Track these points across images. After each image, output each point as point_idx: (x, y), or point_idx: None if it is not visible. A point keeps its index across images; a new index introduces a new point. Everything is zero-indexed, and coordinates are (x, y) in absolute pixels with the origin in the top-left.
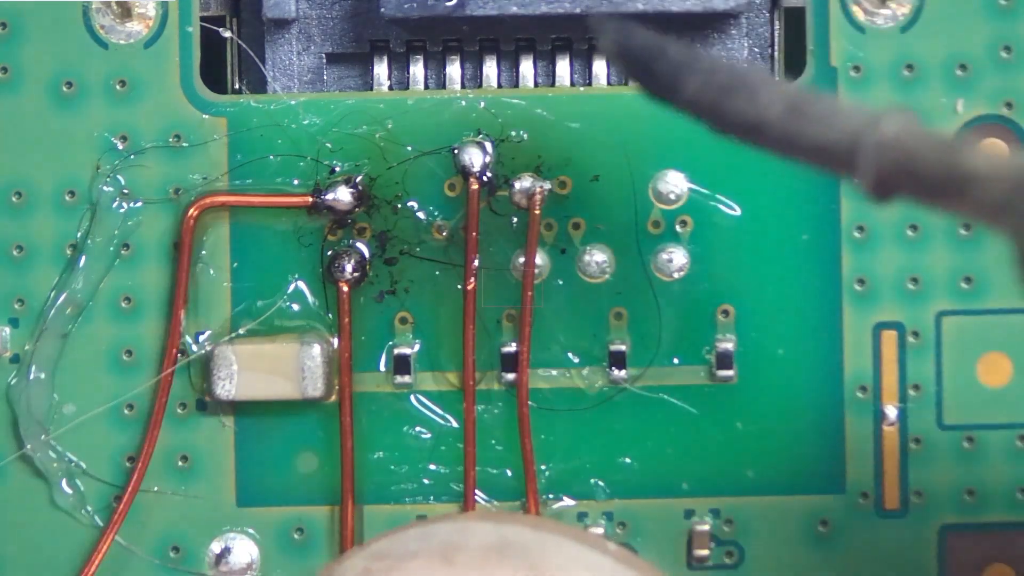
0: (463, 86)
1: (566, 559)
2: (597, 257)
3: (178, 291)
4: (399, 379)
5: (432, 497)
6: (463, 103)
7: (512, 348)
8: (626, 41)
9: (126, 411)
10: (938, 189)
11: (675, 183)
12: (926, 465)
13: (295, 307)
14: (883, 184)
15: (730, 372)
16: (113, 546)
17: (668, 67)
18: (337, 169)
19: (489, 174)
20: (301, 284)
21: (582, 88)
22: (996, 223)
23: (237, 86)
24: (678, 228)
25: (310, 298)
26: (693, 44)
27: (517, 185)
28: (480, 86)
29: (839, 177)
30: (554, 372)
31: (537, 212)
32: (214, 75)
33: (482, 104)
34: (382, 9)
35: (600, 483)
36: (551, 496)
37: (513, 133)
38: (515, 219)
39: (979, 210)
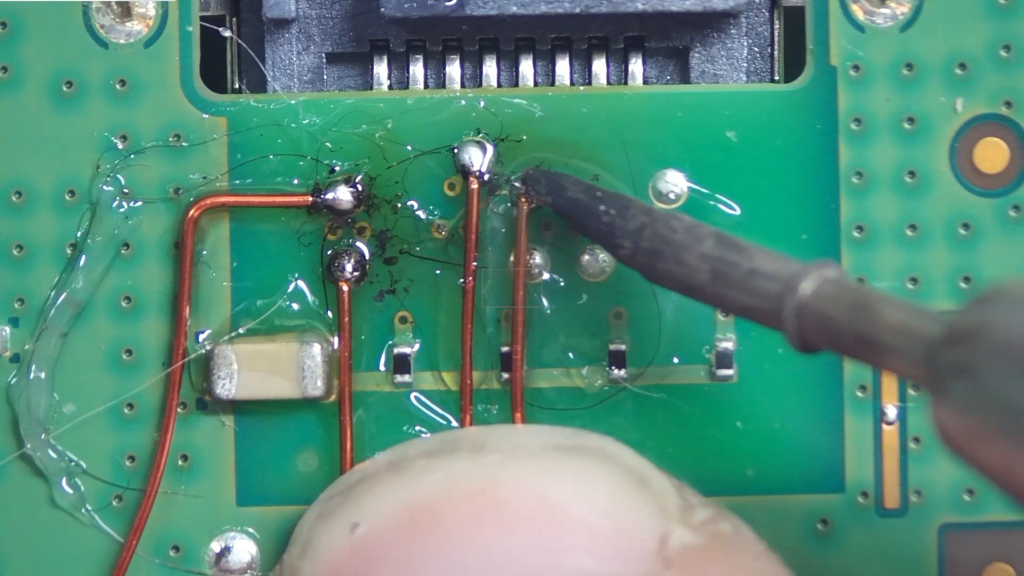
0: (463, 86)
1: (508, 434)
2: (597, 257)
3: (182, 291)
4: (399, 378)
5: None
6: (463, 103)
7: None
8: (558, 198)
9: (126, 411)
10: (856, 350)
11: (675, 183)
12: (926, 464)
13: (295, 307)
14: (807, 343)
15: (730, 371)
16: (113, 546)
17: (600, 227)
18: (337, 169)
19: (489, 174)
20: (301, 283)
21: (582, 88)
22: (913, 380)
23: (237, 86)
24: None
25: (310, 297)
26: (620, 195)
27: (517, 185)
28: (480, 86)
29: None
30: (554, 372)
31: (525, 209)
32: (214, 75)
33: (482, 104)
34: (382, 9)
35: None
36: None
37: (513, 133)
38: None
39: (895, 368)
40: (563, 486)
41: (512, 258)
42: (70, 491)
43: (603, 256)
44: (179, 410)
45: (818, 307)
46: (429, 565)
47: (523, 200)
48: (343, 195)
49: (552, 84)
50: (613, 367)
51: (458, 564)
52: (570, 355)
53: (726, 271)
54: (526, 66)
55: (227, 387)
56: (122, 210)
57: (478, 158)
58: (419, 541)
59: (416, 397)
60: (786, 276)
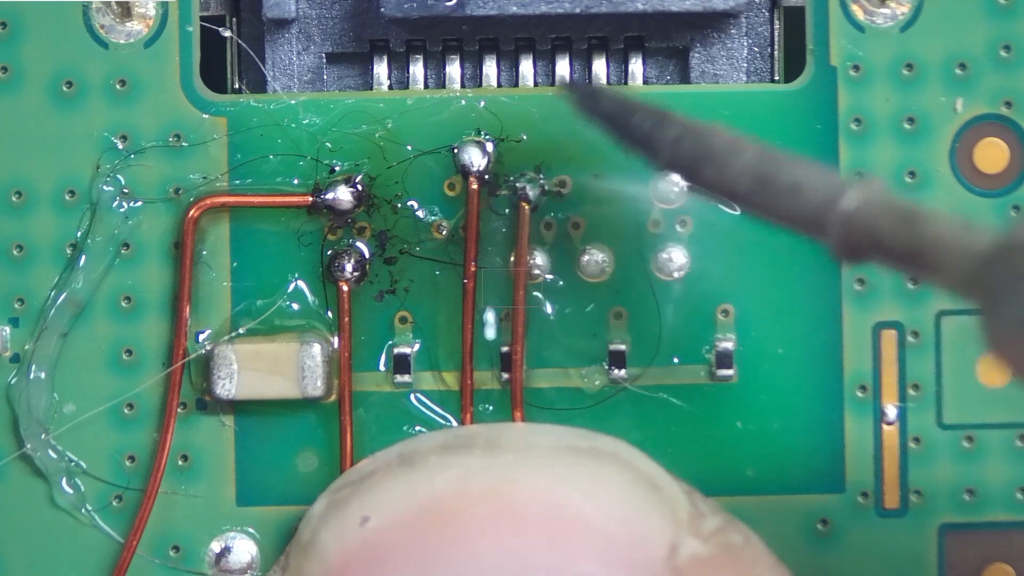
0: (463, 86)
1: (522, 432)
2: (597, 257)
3: (182, 291)
4: (399, 378)
5: None
6: (463, 103)
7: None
8: (595, 107)
9: (126, 411)
10: (904, 261)
11: (675, 182)
12: (926, 464)
13: (295, 307)
14: (852, 252)
15: (730, 371)
16: (113, 546)
17: (638, 134)
18: (337, 169)
19: (489, 174)
20: (301, 283)
21: None
22: (963, 295)
23: (237, 86)
24: (678, 228)
25: (310, 297)
26: (657, 107)
27: (517, 185)
28: (480, 86)
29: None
30: (554, 372)
31: (526, 209)
32: (214, 75)
33: (482, 104)
34: (382, 9)
35: None
36: None
37: (513, 133)
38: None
39: (944, 282)
40: (576, 489)
41: (512, 258)
42: (70, 491)
43: (603, 256)
44: (179, 410)
45: (865, 216)
46: (439, 563)
47: (523, 206)
48: (343, 195)
49: (552, 84)
50: (613, 367)
51: (468, 563)
52: (570, 355)
53: (770, 179)
54: (526, 66)
55: (227, 387)
56: (122, 210)
57: (478, 158)
58: (430, 538)
59: (416, 397)
60: (832, 185)
